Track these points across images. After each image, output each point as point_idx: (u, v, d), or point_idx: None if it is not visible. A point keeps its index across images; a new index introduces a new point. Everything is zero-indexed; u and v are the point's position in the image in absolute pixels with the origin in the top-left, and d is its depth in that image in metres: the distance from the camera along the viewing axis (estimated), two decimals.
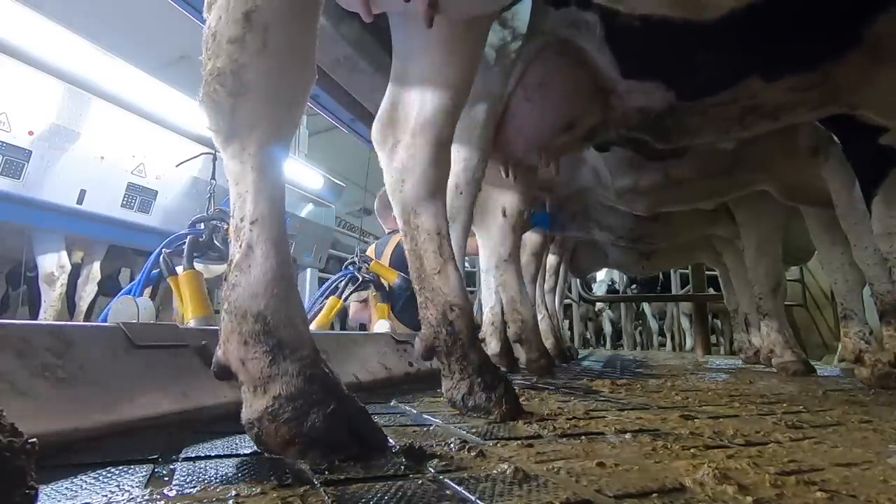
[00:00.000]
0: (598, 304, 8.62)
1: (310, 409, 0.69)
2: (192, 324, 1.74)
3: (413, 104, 1.26)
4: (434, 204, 1.24)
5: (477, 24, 1.27)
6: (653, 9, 1.34)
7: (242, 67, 0.73)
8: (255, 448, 0.76)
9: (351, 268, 2.92)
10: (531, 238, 3.12)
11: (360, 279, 2.90)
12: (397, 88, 1.29)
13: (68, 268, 3.88)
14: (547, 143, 1.96)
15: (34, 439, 0.46)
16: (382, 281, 3.02)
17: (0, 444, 0.43)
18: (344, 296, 2.85)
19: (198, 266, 1.98)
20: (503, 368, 2.34)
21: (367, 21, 1.13)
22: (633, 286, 7.63)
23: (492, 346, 2.43)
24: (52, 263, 3.79)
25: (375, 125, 1.32)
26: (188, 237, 1.94)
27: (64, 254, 3.85)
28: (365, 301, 3.48)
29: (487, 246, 2.33)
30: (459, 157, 1.78)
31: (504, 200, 2.30)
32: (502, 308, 2.51)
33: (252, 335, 0.72)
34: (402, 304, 3.20)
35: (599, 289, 7.86)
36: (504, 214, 2.29)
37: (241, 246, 0.75)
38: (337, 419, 0.70)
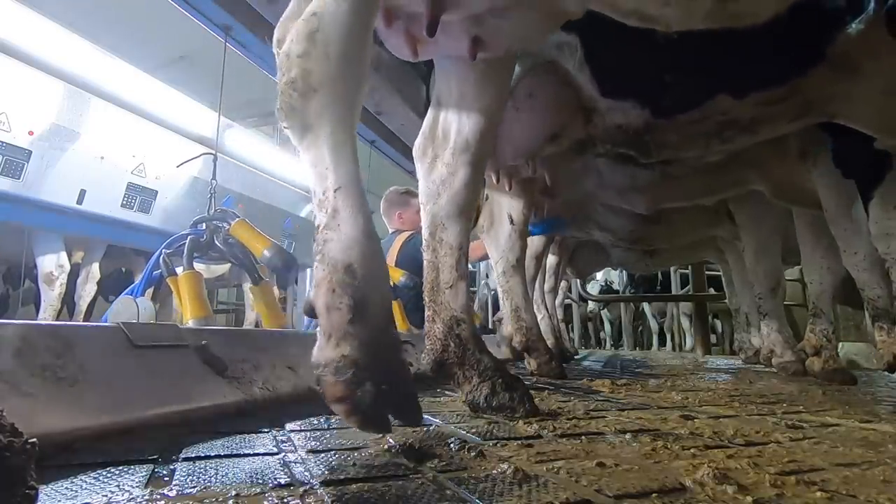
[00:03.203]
0: (592, 304, 8.62)
1: (366, 379, 0.74)
2: (190, 324, 1.74)
3: (452, 124, 1.38)
4: (462, 221, 1.33)
5: (509, 58, 1.39)
6: (686, 25, 1.36)
7: (310, 73, 0.85)
8: (256, 448, 0.76)
9: None
10: (532, 240, 3.12)
11: None
12: (438, 108, 1.41)
13: (67, 267, 3.88)
14: (533, 151, 2.04)
15: (34, 439, 0.46)
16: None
17: (0, 443, 0.43)
18: None
19: (200, 266, 1.98)
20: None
21: (413, 62, 1.27)
22: (632, 286, 7.62)
23: (503, 348, 2.44)
24: (52, 263, 3.79)
25: (418, 139, 1.43)
26: (188, 238, 1.94)
27: (63, 254, 3.85)
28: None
29: (496, 252, 2.38)
30: None
31: (510, 208, 2.36)
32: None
33: (340, 284, 0.78)
34: (412, 304, 3.21)
35: (593, 289, 7.84)
36: (511, 222, 2.35)
37: (327, 211, 0.83)
38: (385, 397, 0.74)
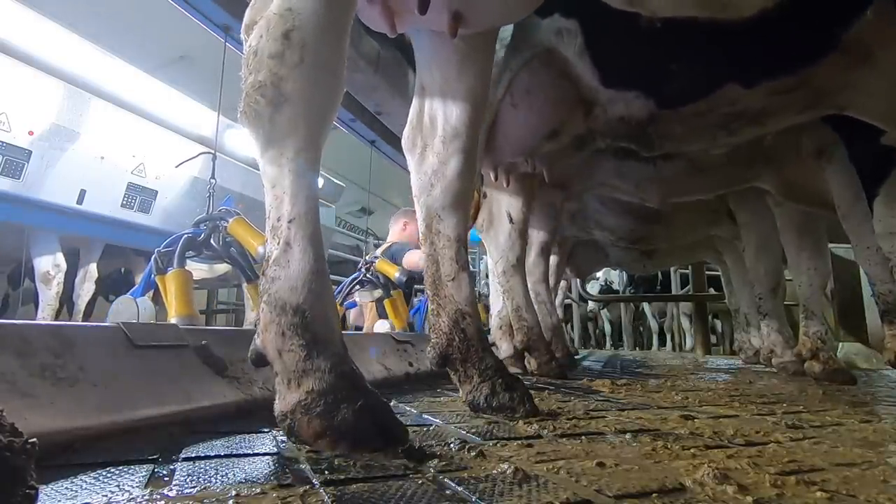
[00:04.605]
0: (591, 304, 8.60)
1: (340, 404, 0.73)
2: (174, 321, 1.73)
3: (438, 111, 1.33)
4: (458, 212, 1.29)
5: (489, 35, 1.33)
6: (675, 11, 1.34)
7: (282, 80, 0.80)
8: (256, 448, 0.76)
9: (363, 269, 3.06)
10: (536, 237, 3.10)
11: (362, 278, 2.98)
12: (422, 95, 1.36)
13: (64, 267, 3.88)
14: (532, 149, 2.01)
15: (34, 439, 0.46)
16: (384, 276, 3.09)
17: (0, 443, 0.43)
18: (341, 298, 2.93)
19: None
20: (517, 370, 2.34)
21: (391, 37, 1.20)
22: (632, 286, 7.62)
23: (503, 349, 2.43)
24: (48, 263, 3.79)
25: (406, 130, 1.38)
26: (183, 237, 1.93)
27: (60, 254, 3.85)
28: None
29: (496, 251, 2.36)
30: None
31: (510, 206, 2.34)
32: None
33: (290, 327, 0.76)
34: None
35: (592, 289, 7.83)
36: (511, 220, 2.33)
37: (279, 243, 0.80)
38: (364, 414, 0.73)
